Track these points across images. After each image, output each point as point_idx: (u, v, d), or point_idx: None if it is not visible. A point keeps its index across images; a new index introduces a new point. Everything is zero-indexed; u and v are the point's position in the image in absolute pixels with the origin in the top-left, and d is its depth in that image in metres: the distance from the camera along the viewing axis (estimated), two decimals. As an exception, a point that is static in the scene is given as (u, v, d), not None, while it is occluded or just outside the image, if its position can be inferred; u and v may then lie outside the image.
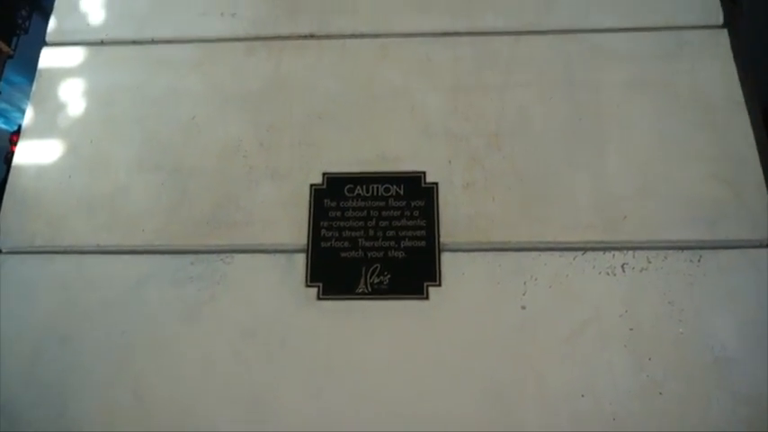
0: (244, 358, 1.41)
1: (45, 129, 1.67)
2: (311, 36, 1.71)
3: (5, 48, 4.88)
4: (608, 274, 1.42)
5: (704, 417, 1.29)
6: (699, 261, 1.41)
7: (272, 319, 1.44)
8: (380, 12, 1.73)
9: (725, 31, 1.62)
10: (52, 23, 1.80)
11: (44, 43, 1.78)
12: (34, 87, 1.71)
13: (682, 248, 1.43)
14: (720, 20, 1.64)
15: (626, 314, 1.38)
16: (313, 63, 1.67)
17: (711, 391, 1.31)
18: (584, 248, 1.44)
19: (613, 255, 1.43)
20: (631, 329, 1.37)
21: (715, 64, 1.59)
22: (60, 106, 1.69)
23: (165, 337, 1.44)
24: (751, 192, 1.46)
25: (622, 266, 1.42)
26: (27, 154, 1.64)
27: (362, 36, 1.70)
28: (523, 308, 1.40)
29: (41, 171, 1.62)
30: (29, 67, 1.99)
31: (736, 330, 1.35)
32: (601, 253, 1.44)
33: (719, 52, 1.60)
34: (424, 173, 1.54)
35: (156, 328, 1.46)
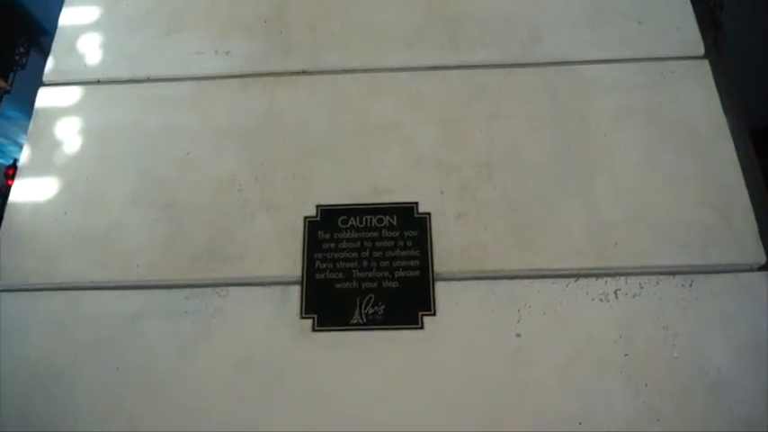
0: (239, 392, 1.40)
1: (41, 167, 1.69)
2: (304, 72, 1.75)
3: (2, 83, 4.93)
4: (601, 300, 1.42)
5: (702, 443, 1.29)
6: (691, 286, 1.42)
7: (267, 351, 1.44)
8: (371, 47, 1.77)
9: (706, 62, 1.67)
10: (50, 64, 1.83)
11: (41, 83, 1.81)
12: (31, 126, 1.74)
13: (674, 273, 1.44)
14: (702, 51, 1.69)
15: (620, 340, 1.38)
16: (306, 98, 1.71)
17: (708, 416, 1.30)
18: (577, 275, 1.45)
19: (606, 281, 1.44)
20: (626, 355, 1.37)
21: (698, 93, 1.63)
22: (56, 144, 1.71)
23: (159, 373, 1.43)
24: (739, 216, 1.48)
25: (615, 292, 1.43)
26: (23, 192, 1.66)
27: (354, 71, 1.74)
28: (518, 335, 1.41)
29: (37, 208, 1.63)
30: (25, 102, 2.02)
31: (730, 354, 1.36)
32: (593, 279, 1.45)
33: (702, 81, 1.65)
34: (417, 203, 1.55)
35: (151, 363, 1.45)
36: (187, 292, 1.51)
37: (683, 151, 1.56)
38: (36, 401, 1.42)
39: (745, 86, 1.94)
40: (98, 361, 1.45)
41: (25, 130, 1.78)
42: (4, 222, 1.63)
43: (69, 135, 1.72)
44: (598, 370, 1.36)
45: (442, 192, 1.56)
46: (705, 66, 1.67)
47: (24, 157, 1.70)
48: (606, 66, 1.69)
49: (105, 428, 1.39)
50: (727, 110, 1.61)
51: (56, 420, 1.40)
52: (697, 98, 1.62)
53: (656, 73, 1.66)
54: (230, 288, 1.50)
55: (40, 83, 1.82)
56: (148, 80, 1.78)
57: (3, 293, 1.54)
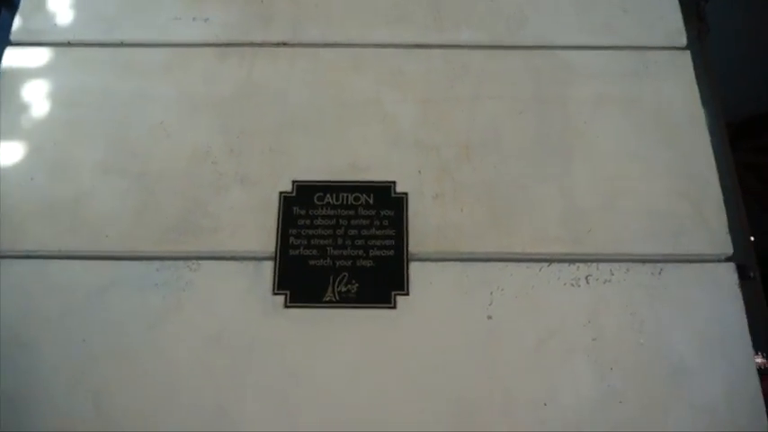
0: (209, 366, 1.39)
1: (7, 130, 1.62)
2: (284, 44, 1.71)
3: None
4: (572, 285, 1.44)
5: (662, 426, 1.33)
6: (660, 274, 1.45)
7: (238, 326, 1.43)
8: (354, 22, 1.74)
9: (688, 53, 1.68)
10: (17, 22, 1.75)
11: (8, 41, 1.73)
12: (-3, 88, 1.67)
13: (644, 261, 1.46)
14: (684, 42, 1.70)
15: (589, 324, 1.41)
16: (285, 71, 1.67)
17: (669, 401, 1.34)
18: (550, 260, 1.47)
19: (578, 267, 1.46)
20: (594, 340, 1.40)
21: (678, 84, 1.64)
22: (24, 107, 1.65)
23: (128, 346, 1.41)
24: (711, 208, 1.51)
25: (586, 278, 1.45)
26: (-12, 155, 1.60)
27: (335, 45, 1.70)
28: (490, 318, 1.42)
29: (2, 173, 1.57)
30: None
31: (694, 342, 1.39)
32: (566, 265, 1.46)
33: (682, 73, 1.66)
34: (394, 183, 1.54)
35: (120, 335, 1.42)
36: (158, 264, 1.48)
37: (660, 141, 1.57)
38: (1, 371, 1.39)
39: (726, 79, 1.96)
40: (65, 332, 1.42)
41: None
42: (-32, 187, 1.58)
43: (38, 98, 1.66)
44: (566, 353, 1.39)
45: (420, 171, 1.55)
46: (687, 57, 1.68)
47: (-10, 119, 1.64)
48: (590, 52, 1.68)
49: (70, 401, 1.37)
50: (705, 102, 1.63)
51: (20, 391, 1.38)
52: (676, 89, 1.63)
53: (638, 62, 1.67)
54: (202, 262, 1.48)
55: (8, 40, 1.74)
56: (122, 44, 1.72)
57: (-33, 260, 1.49)
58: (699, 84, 1.65)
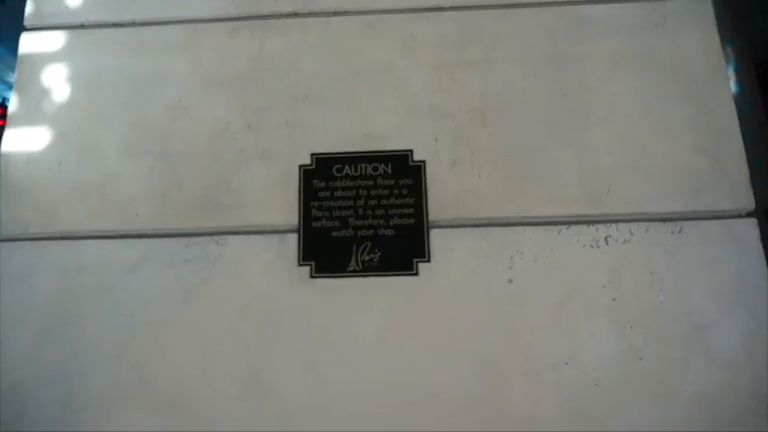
0: (240, 336, 1.46)
1: (31, 115, 1.66)
2: (294, 14, 1.69)
3: (-17, 19, 4.75)
4: (592, 246, 1.46)
5: (682, 381, 1.36)
6: (680, 232, 1.45)
7: (266, 297, 1.48)
8: (364, -13, 1.71)
9: (708, 1, 1.62)
10: (30, 7, 1.76)
11: (22, 27, 1.75)
12: (16, 74, 1.70)
13: (663, 220, 1.46)
14: (704, -12, 1.64)
15: (609, 285, 1.43)
16: (297, 42, 1.66)
17: (689, 357, 1.37)
18: (569, 222, 1.48)
19: (597, 228, 1.47)
20: (614, 300, 1.42)
21: (697, 34, 1.58)
22: (44, 92, 1.68)
23: (163, 319, 1.49)
24: (732, 162, 1.48)
25: (606, 239, 1.46)
26: (15, 141, 1.64)
27: (346, 13, 1.68)
28: (510, 281, 1.45)
29: (31, 158, 1.62)
30: (9, 39, 1.95)
31: (714, 298, 1.40)
32: (585, 226, 1.47)
33: (703, 21, 1.59)
34: (411, 151, 1.55)
35: (155, 310, 1.50)
36: (186, 240, 1.53)
37: (679, 96, 1.54)
38: (46, 348, 1.48)
39: (753, 18, 1.86)
40: (103, 308, 1.50)
41: (12, 68, 1.74)
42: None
43: (57, 82, 1.69)
44: (586, 313, 1.41)
45: (436, 139, 1.56)
46: (707, 5, 1.61)
47: (13, 105, 1.67)
48: (605, 6, 1.63)
49: (115, 372, 1.45)
50: (727, 51, 1.58)
51: (67, 365, 1.47)
52: (696, 40, 1.58)
53: (657, 13, 1.61)
54: (228, 237, 1.53)
55: (23, 19, 1.76)
56: (134, 24, 1.72)
57: (3, 243, 1.56)
58: (720, 30, 1.59)
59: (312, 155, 1.57)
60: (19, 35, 1.75)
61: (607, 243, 1.46)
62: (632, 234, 1.46)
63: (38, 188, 1.60)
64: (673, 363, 1.37)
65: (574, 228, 1.47)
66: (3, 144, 1.65)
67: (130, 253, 1.54)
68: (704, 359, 1.37)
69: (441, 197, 1.51)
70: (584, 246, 1.46)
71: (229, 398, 1.42)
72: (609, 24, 1.61)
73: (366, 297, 1.47)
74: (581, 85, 1.57)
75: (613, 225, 1.47)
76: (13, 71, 1.72)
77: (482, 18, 1.64)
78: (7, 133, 1.66)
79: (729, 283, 1.41)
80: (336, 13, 1.68)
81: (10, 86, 1.68)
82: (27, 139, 1.64)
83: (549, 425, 1.36)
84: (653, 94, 1.55)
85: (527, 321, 1.42)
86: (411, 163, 1.54)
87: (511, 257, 1.46)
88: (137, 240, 1.55)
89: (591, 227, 1.47)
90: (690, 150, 1.50)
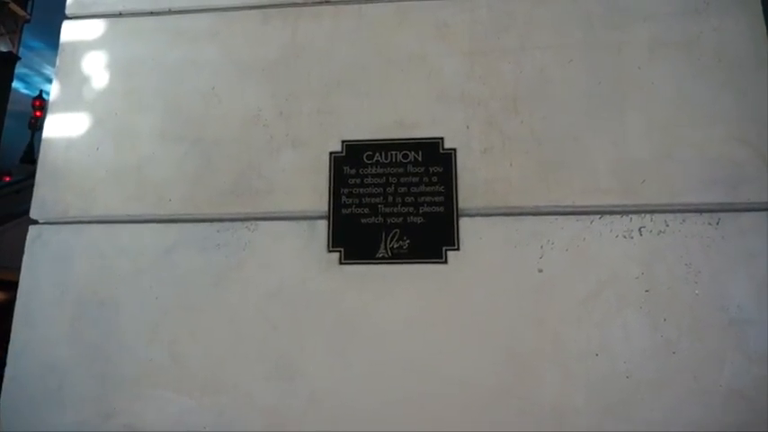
0: (270, 320, 1.48)
1: (71, 102, 1.72)
2: (327, 1, 1.70)
3: (21, 12, 4.90)
4: (625, 237, 1.43)
5: (717, 376, 1.33)
6: (717, 224, 1.41)
7: (296, 282, 1.50)
8: (396, -26, 1.70)
9: (755, -16, 1.56)
10: (70, -4, 1.81)
11: (63, 15, 1.80)
12: (58, 61, 1.75)
13: (701, 211, 1.42)
14: (751, -29, 1.58)
15: (642, 276, 1.40)
16: (329, 30, 1.67)
17: (725, 351, 1.34)
18: (602, 212, 1.45)
19: (631, 218, 1.44)
20: (647, 291, 1.39)
21: (742, 20, 1.53)
22: (84, 79, 1.73)
23: (196, 301, 1.52)
24: (773, 152, 1.44)
25: (640, 230, 1.43)
26: (56, 127, 1.70)
27: (379, 1, 1.68)
28: (540, 271, 1.43)
29: (70, 144, 1.67)
30: (46, 32, 2.02)
31: (752, 292, 1.36)
32: (618, 216, 1.44)
33: (748, 8, 1.54)
34: (442, 138, 1.55)
35: (188, 292, 1.53)
36: (218, 225, 1.56)
37: (720, 84, 1.49)
38: (84, 326, 1.53)
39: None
40: (138, 290, 1.54)
41: (48, 61, 1.80)
42: (40, 157, 1.69)
43: (96, 69, 1.73)
44: (618, 305, 1.39)
45: (467, 126, 1.55)
46: (753, -11, 1.56)
47: (54, 91, 1.72)
48: (644, -9, 1.59)
49: (149, 352, 1.50)
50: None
51: (103, 343, 1.52)
52: (741, 26, 1.53)
53: (698, -1, 1.57)
54: (259, 222, 1.55)
55: (56, 11, 1.81)
56: (170, 12, 1.75)
57: (45, 226, 1.62)
58: (766, 16, 1.54)
59: (343, 142, 1.57)
60: (53, 29, 1.80)
61: (641, 234, 1.43)
62: (667, 225, 1.42)
63: (77, 173, 1.65)
64: (708, 357, 1.34)
65: (607, 218, 1.44)
66: (45, 130, 1.71)
67: (164, 237, 1.58)
68: (741, 354, 1.33)
69: (471, 185, 1.51)
70: (617, 236, 1.43)
71: (259, 380, 1.45)
72: (648, 9, 1.57)
73: (394, 284, 1.47)
74: (617, 73, 1.53)
75: (648, 215, 1.44)
76: (49, 64, 1.77)
77: (516, 4, 1.62)
78: (49, 119, 1.71)
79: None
80: (369, 1, 1.68)
81: (47, 79, 1.73)
82: (67, 125, 1.69)
83: (577, 415, 1.34)
84: (692, 82, 1.50)
85: (557, 311, 1.41)
86: (442, 151, 1.54)
87: (541, 247, 1.45)
88: (170, 225, 1.59)
89: (624, 217, 1.44)
90: (729, 140, 1.45)
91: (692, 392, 1.32)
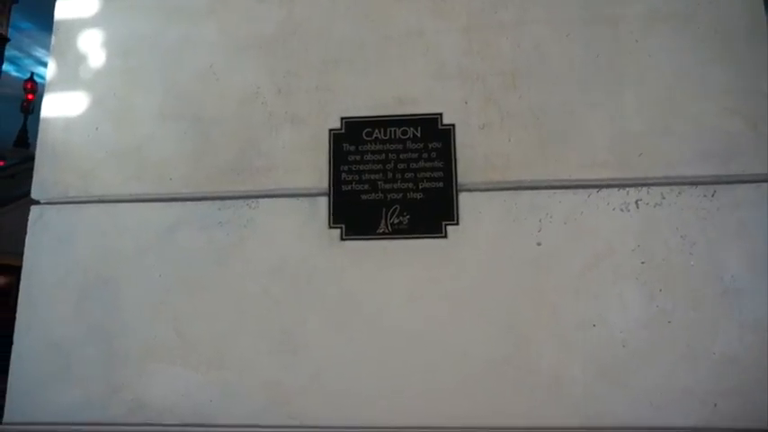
0: (272, 296, 1.50)
1: (68, 81, 1.71)
2: (323, -23, 1.69)
3: (8, -8, 4.82)
4: (622, 210, 1.45)
5: (711, 343, 1.36)
6: (713, 196, 1.43)
7: (298, 258, 1.52)
8: (393, -51, 1.68)
9: (751, -43, 1.56)
10: (63, -26, 1.79)
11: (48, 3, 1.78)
12: (53, 40, 1.73)
13: (696, 184, 1.44)
14: (748, -57, 1.58)
15: (638, 248, 1.43)
16: (326, 6, 1.66)
17: (719, 320, 1.37)
18: (599, 186, 1.47)
19: (627, 191, 1.46)
20: (643, 263, 1.42)
21: (739, -8, 1.54)
22: (80, 58, 1.72)
23: (198, 279, 1.54)
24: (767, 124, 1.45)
25: (636, 202, 1.45)
26: (53, 107, 1.69)
27: (376, -25, 1.67)
28: (539, 244, 1.46)
29: (69, 123, 1.67)
30: (35, 13, 2.00)
31: (747, 262, 1.39)
32: (615, 190, 1.46)
33: (745, -22, 1.55)
34: (441, 114, 1.55)
35: (190, 270, 1.55)
36: (219, 203, 1.57)
37: (715, 58, 1.50)
38: (88, 304, 1.55)
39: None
40: (141, 268, 1.56)
41: (39, 42, 1.80)
42: (39, 138, 1.68)
43: (92, 48, 1.72)
44: (615, 277, 1.42)
45: (466, 102, 1.55)
46: (751, -40, 1.56)
47: (51, 71, 1.72)
48: (641, -37, 1.59)
49: (153, 328, 1.52)
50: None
51: (107, 321, 1.54)
52: (737, -1, 1.54)
53: (695, -29, 1.56)
54: (260, 200, 1.56)
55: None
56: (166, -11, 1.74)
57: (46, 206, 1.62)
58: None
59: (342, 119, 1.58)
60: (42, 9, 1.78)
61: (638, 207, 1.45)
62: (664, 198, 1.45)
63: (76, 153, 1.65)
64: (702, 325, 1.37)
65: (604, 191, 1.46)
66: (43, 110, 1.70)
67: (165, 216, 1.59)
68: (735, 322, 1.36)
69: (470, 160, 1.52)
70: (614, 209, 1.45)
71: (262, 355, 1.48)
72: (645, -18, 1.57)
73: (395, 259, 1.49)
74: (614, 47, 1.54)
75: (644, 188, 1.46)
76: (39, 45, 1.76)
77: (514, -22, 1.62)
78: (46, 99, 1.70)
79: (762, 247, 1.40)
80: (366, -25, 1.67)
81: (37, 61, 1.72)
82: (65, 105, 1.69)
83: (575, 384, 1.38)
84: (688, 56, 1.51)
85: (555, 284, 1.43)
86: (440, 126, 1.55)
87: (540, 220, 1.47)
88: (171, 203, 1.59)
89: (621, 190, 1.46)
90: (725, 113, 1.47)
91: (686, 359, 1.36)
